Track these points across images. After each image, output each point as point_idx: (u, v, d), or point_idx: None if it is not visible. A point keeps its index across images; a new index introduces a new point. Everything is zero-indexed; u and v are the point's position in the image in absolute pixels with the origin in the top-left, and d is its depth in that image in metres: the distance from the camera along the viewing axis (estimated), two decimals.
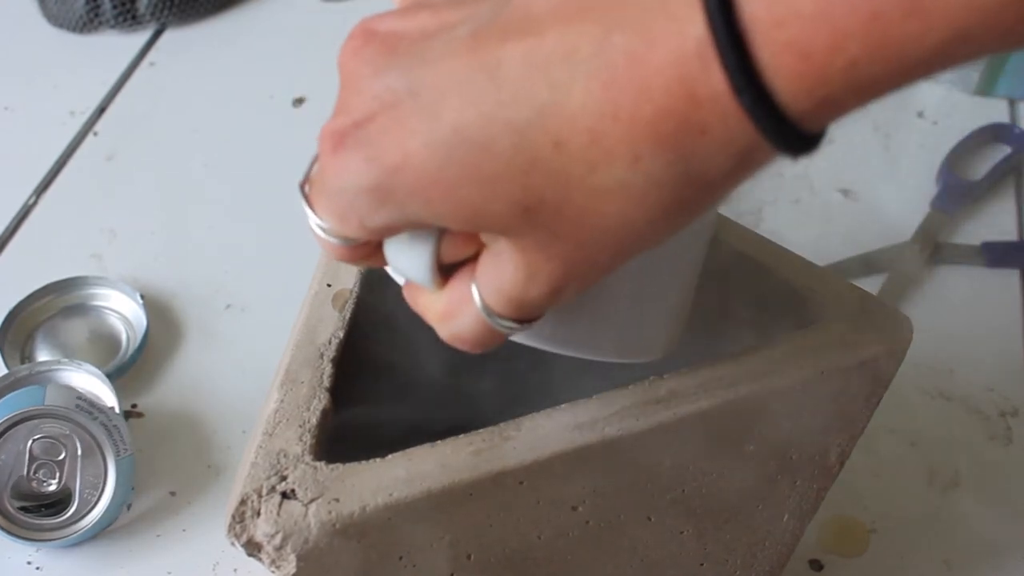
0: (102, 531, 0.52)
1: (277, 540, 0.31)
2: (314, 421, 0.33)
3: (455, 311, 0.29)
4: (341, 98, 0.28)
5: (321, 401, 0.34)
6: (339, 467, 0.32)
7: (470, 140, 0.25)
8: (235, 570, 0.52)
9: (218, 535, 0.53)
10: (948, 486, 0.54)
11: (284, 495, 0.31)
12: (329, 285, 0.37)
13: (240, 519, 0.31)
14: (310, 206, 0.28)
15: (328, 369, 0.35)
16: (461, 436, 0.33)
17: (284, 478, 0.32)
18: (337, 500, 0.31)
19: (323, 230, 0.28)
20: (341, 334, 0.36)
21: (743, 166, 0.24)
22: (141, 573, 0.51)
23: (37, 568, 0.52)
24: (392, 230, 0.28)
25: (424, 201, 0.26)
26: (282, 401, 0.34)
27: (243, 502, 0.31)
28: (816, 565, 0.51)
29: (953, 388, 0.58)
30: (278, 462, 0.32)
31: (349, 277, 0.38)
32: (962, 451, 0.55)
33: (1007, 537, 0.52)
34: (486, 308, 0.28)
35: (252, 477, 0.32)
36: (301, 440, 0.33)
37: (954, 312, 0.62)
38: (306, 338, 0.36)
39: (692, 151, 0.23)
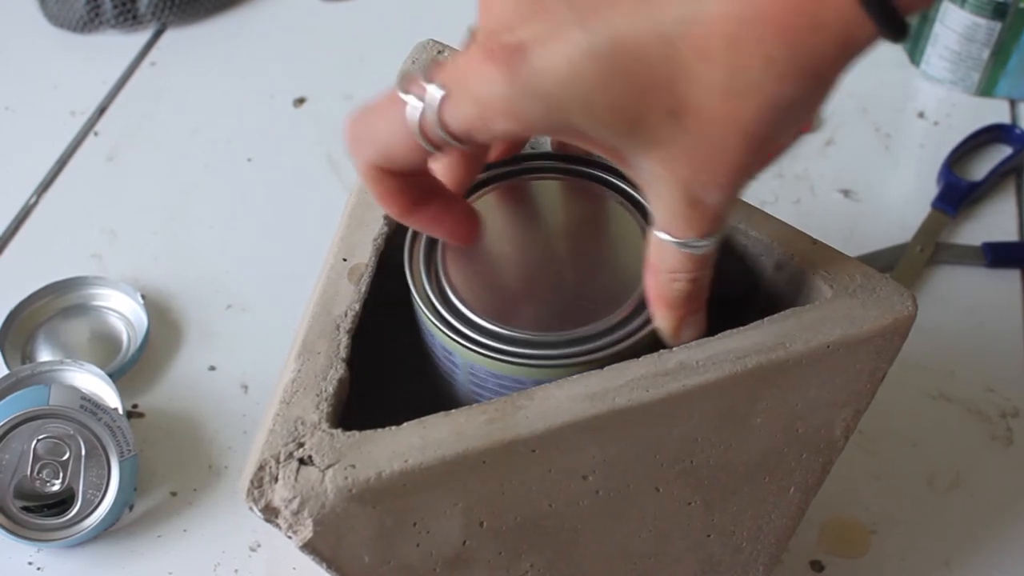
0: (103, 531, 0.52)
1: (294, 505, 0.32)
2: (331, 390, 0.34)
3: (658, 267, 0.33)
4: (485, 10, 0.30)
5: (337, 371, 0.35)
6: (355, 434, 0.33)
7: (628, 52, 0.27)
8: (236, 571, 0.52)
9: (219, 535, 0.53)
10: (949, 487, 0.54)
11: (301, 461, 0.32)
12: (345, 260, 0.38)
13: (258, 484, 0.32)
14: (424, 91, 0.30)
15: (344, 340, 0.36)
16: (475, 405, 0.33)
17: (301, 444, 0.33)
18: (353, 466, 0.32)
19: (424, 126, 0.30)
20: (357, 307, 0.37)
21: (847, 57, 0.28)
22: (142, 573, 0.52)
23: (38, 568, 0.52)
24: (510, 135, 0.30)
25: (588, 109, 0.28)
26: (299, 371, 0.35)
27: (261, 467, 0.32)
28: (817, 566, 0.51)
29: (954, 389, 0.58)
30: (295, 429, 0.33)
31: (364, 252, 0.38)
32: (963, 452, 0.55)
33: (1007, 538, 0.52)
34: (678, 241, 0.31)
35: (270, 444, 0.33)
36: (318, 408, 0.34)
37: (954, 312, 0.62)
38: (322, 310, 0.37)
39: (812, 46, 0.27)
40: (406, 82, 0.30)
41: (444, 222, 0.35)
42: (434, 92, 0.29)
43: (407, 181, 0.33)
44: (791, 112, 0.28)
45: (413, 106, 0.30)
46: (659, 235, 0.32)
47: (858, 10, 0.26)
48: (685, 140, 0.29)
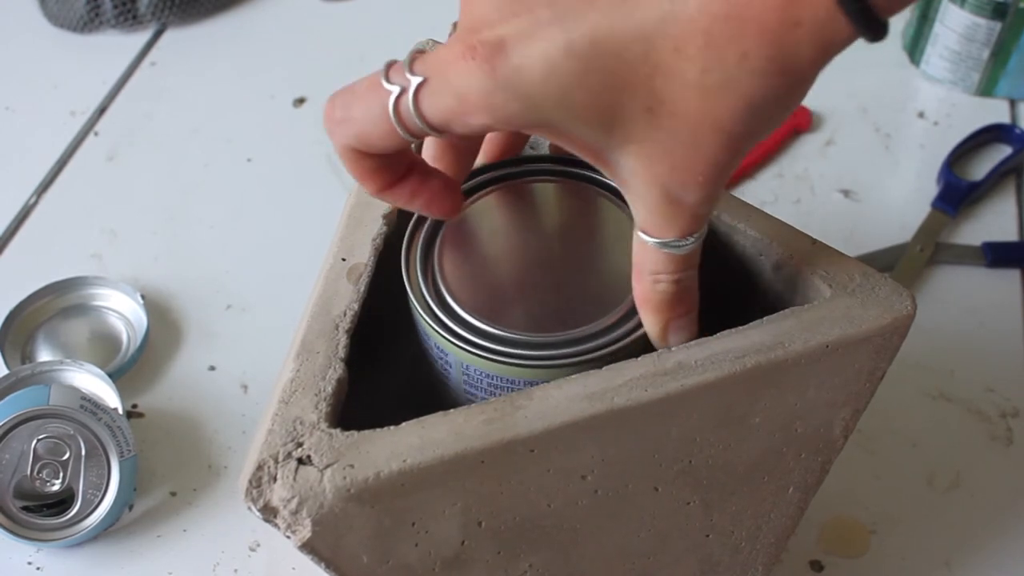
0: (103, 531, 0.52)
1: (293, 505, 0.32)
2: (329, 390, 0.34)
3: (641, 269, 0.33)
4: (467, 7, 0.30)
5: (336, 371, 0.35)
6: (354, 434, 0.33)
7: (607, 49, 0.28)
8: (235, 570, 0.52)
9: (219, 535, 0.53)
10: (949, 487, 0.54)
11: (300, 461, 0.32)
12: (344, 259, 0.38)
13: (257, 484, 0.32)
14: (407, 80, 0.30)
15: (343, 340, 0.36)
16: (473, 405, 0.33)
17: (300, 444, 0.33)
18: (352, 466, 0.32)
19: (401, 114, 0.30)
20: (356, 306, 0.37)
21: (824, 56, 0.27)
22: (142, 573, 0.52)
23: (38, 568, 0.52)
24: (487, 129, 0.30)
25: (564, 106, 0.28)
26: (298, 370, 0.35)
27: (260, 467, 0.32)
28: (816, 566, 0.51)
29: (954, 389, 0.58)
30: (294, 429, 0.33)
31: (363, 252, 0.39)
32: (963, 452, 0.55)
33: (1007, 538, 0.52)
34: (659, 241, 0.32)
35: (269, 443, 0.33)
36: (317, 408, 0.34)
37: (954, 312, 0.62)
38: (321, 310, 0.37)
39: (789, 44, 0.27)
40: (389, 70, 0.31)
41: (421, 195, 0.35)
42: (414, 81, 0.30)
43: (383, 161, 0.33)
44: (768, 110, 0.28)
45: (393, 93, 0.30)
46: (640, 235, 0.32)
47: (835, 10, 0.26)
48: (662, 137, 0.29)
